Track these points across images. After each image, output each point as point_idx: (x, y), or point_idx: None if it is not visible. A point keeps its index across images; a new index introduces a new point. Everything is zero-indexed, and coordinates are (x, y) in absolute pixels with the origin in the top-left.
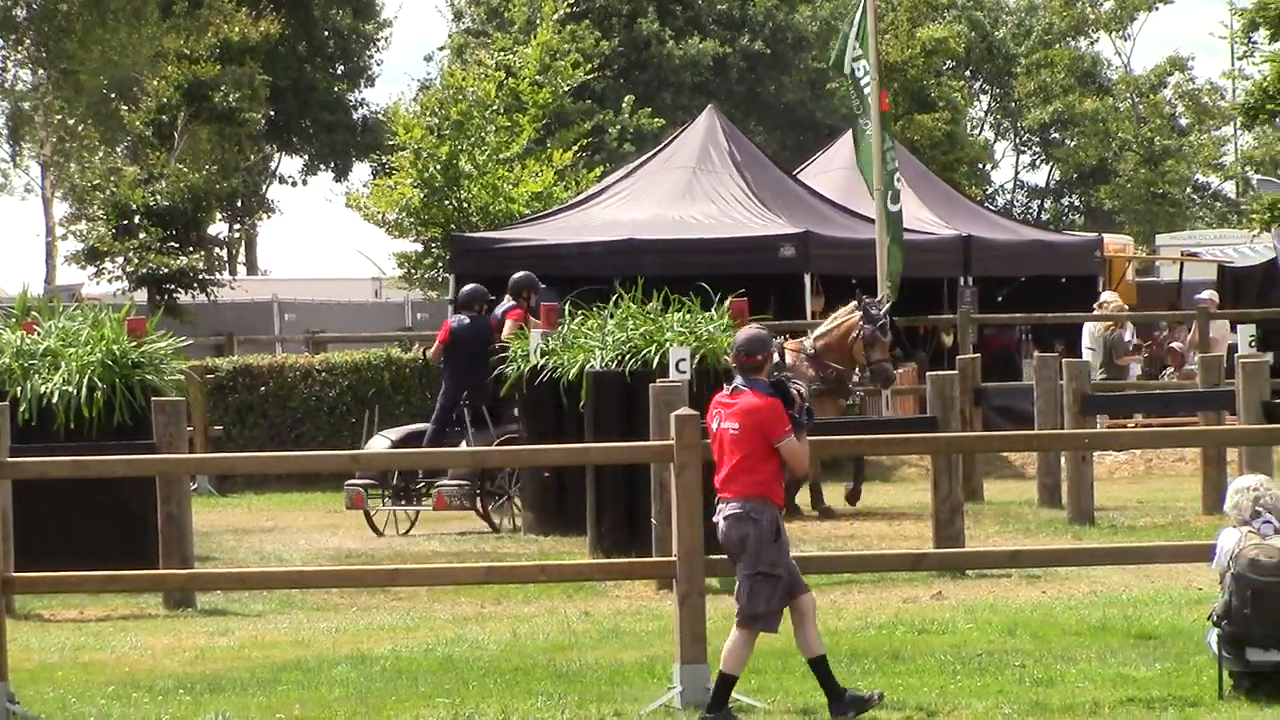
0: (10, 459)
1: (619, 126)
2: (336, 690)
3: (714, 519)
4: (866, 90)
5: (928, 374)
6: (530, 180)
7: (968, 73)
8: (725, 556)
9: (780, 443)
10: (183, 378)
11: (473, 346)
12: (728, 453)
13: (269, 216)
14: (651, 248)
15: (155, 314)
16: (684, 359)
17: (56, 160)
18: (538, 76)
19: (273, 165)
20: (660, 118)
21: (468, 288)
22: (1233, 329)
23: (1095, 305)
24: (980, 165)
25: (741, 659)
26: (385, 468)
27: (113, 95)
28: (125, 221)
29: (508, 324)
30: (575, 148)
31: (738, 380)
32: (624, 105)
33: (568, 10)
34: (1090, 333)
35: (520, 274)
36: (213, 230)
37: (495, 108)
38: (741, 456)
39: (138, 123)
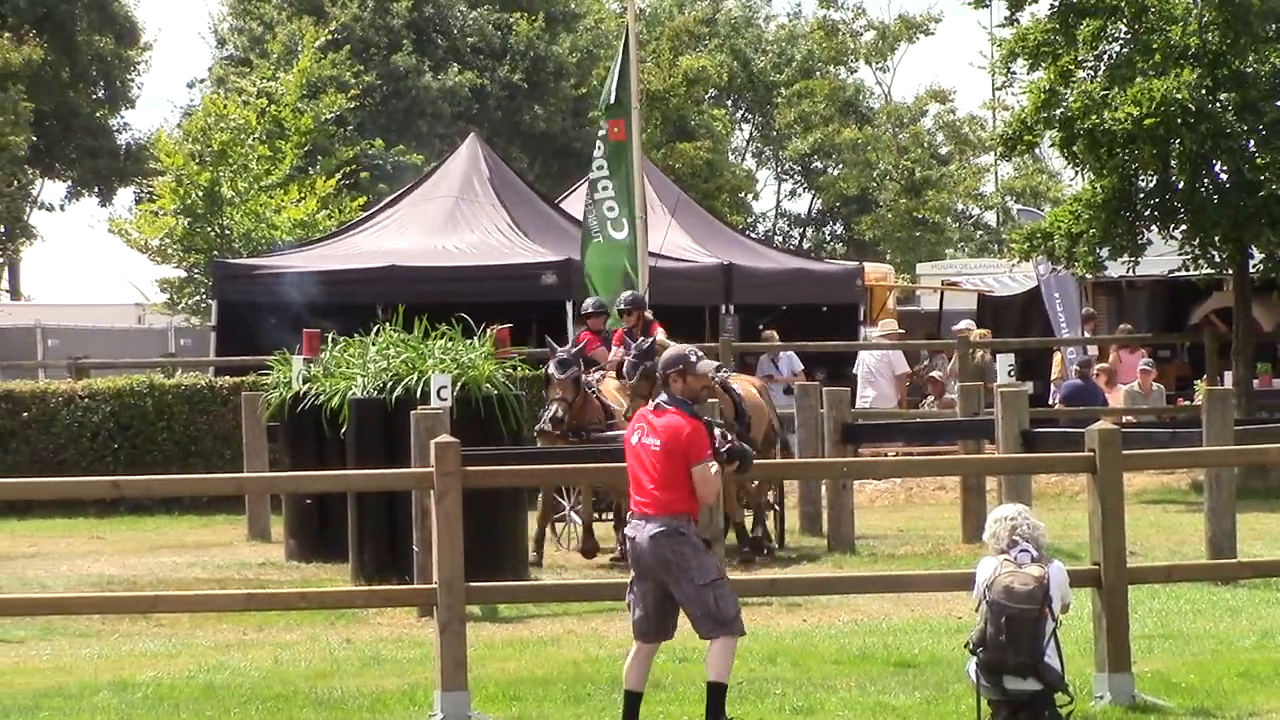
0: None
1: (377, 163)
2: (98, 717)
3: (627, 533)
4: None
5: None
6: (293, 207)
7: (729, 102)
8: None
9: (695, 466)
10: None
11: None
12: (648, 469)
13: (31, 242)
14: (414, 275)
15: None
16: (445, 386)
17: None
18: (299, 103)
19: (35, 191)
20: (418, 147)
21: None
22: (992, 358)
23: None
24: (742, 194)
25: (729, 665)
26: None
27: None
28: None
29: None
30: (338, 175)
31: (662, 398)
32: (376, 144)
33: (328, 38)
34: (867, 363)
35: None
36: None
37: (257, 134)
38: (663, 473)
39: None
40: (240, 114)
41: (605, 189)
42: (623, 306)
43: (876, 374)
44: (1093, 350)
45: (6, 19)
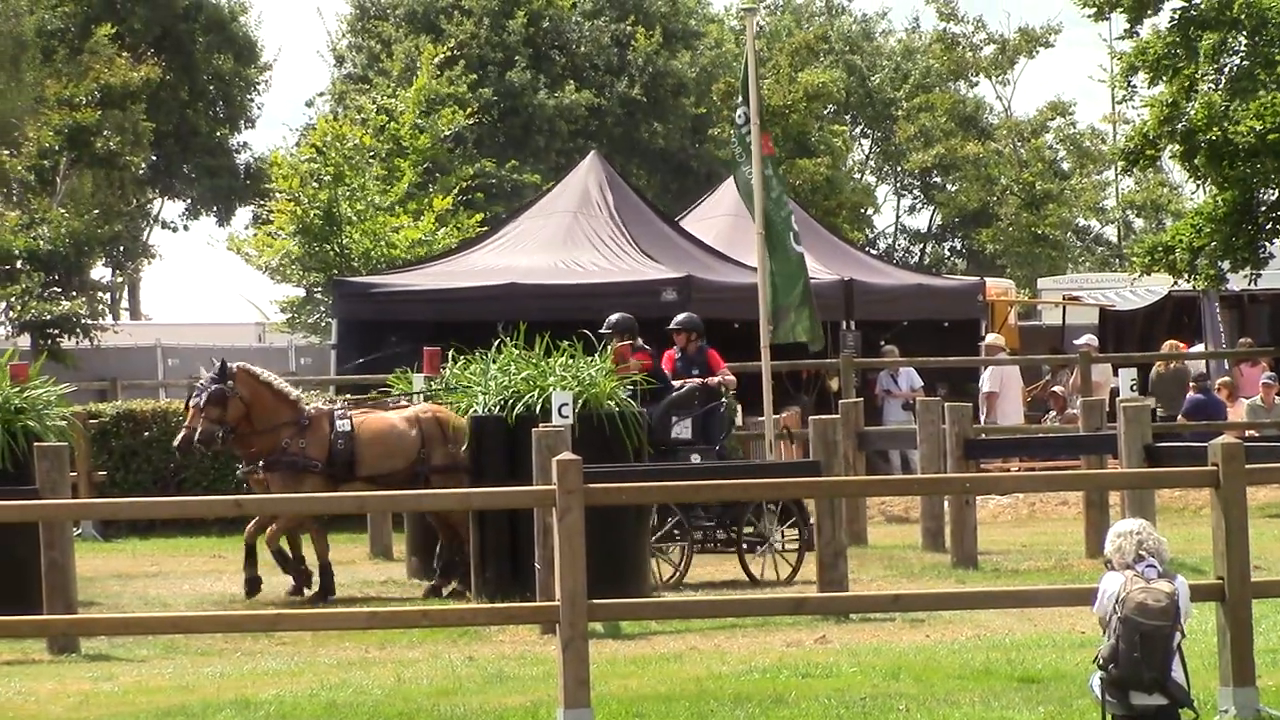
0: None
1: (494, 181)
2: None
3: None
4: (748, 136)
5: (811, 418)
6: (411, 226)
7: (848, 117)
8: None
9: None
10: (65, 423)
11: None
12: None
13: (151, 261)
14: (534, 292)
15: (38, 360)
16: (566, 404)
17: None
18: (417, 120)
19: (155, 210)
20: (535, 163)
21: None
22: (1114, 373)
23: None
24: (862, 210)
25: None
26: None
27: None
28: (6, 267)
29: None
30: (455, 192)
31: None
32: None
33: (446, 55)
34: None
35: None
36: (95, 275)
37: (376, 152)
38: None
39: (19, 168)
40: (355, 133)
41: (786, 205)
42: (674, 326)
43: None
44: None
45: (125, 39)
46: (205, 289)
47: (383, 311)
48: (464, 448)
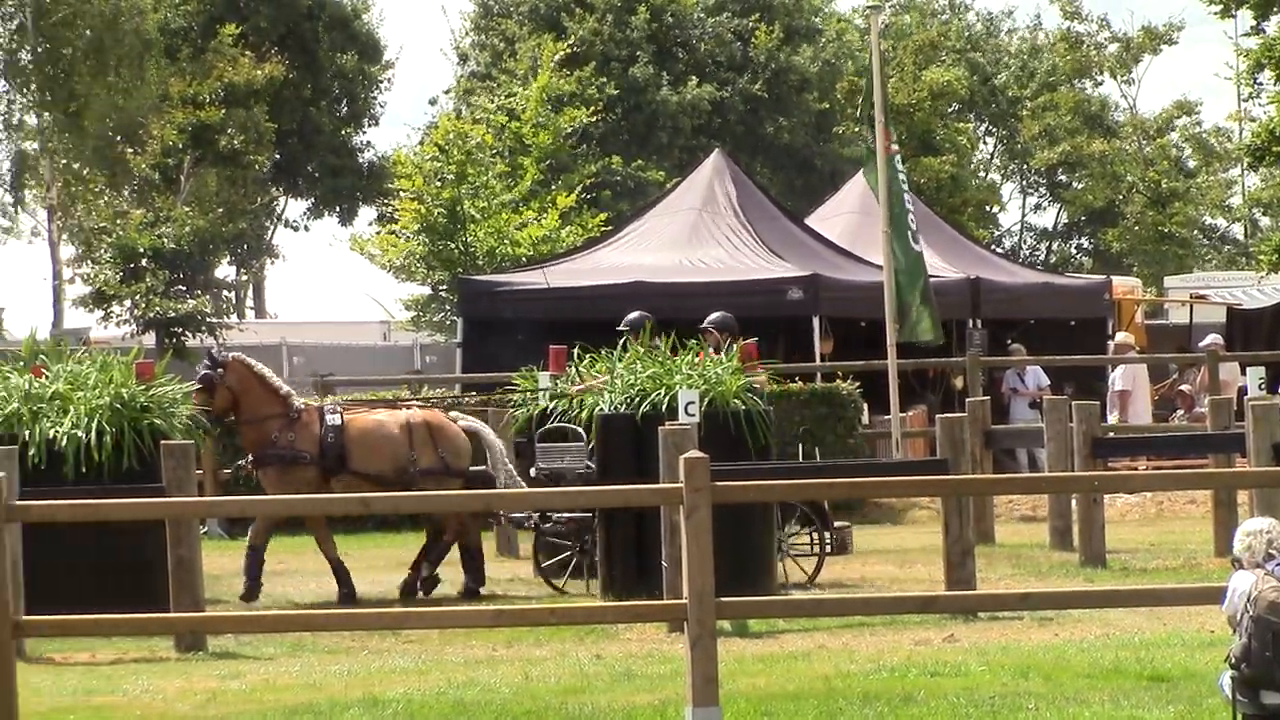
0: (19, 502)
1: (618, 178)
2: None
3: None
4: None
5: (938, 417)
6: (535, 225)
7: (972, 115)
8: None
9: None
10: (192, 421)
11: None
12: None
13: (275, 260)
14: (659, 291)
15: (163, 358)
16: (693, 402)
17: (63, 203)
18: (540, 119)
19: (279, 208)
20: (659, 160)
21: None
22: (1242, 371)
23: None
24: (987, 207)
25: None
26: (409, 510)
27: (118, 139)
28: (132, 265)
29: None
30: (579, 190)
31: None
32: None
33: (568, 52)
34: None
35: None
36: (220, 273)
37: (499, 150)
38: None
39: (143, 166)
40: (477, 132)
41: (908, 203)
42: (706, 326)
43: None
44: None
45: (249, 37)
46: (330, 287)
47: (507, 309)
48: (457, 454)
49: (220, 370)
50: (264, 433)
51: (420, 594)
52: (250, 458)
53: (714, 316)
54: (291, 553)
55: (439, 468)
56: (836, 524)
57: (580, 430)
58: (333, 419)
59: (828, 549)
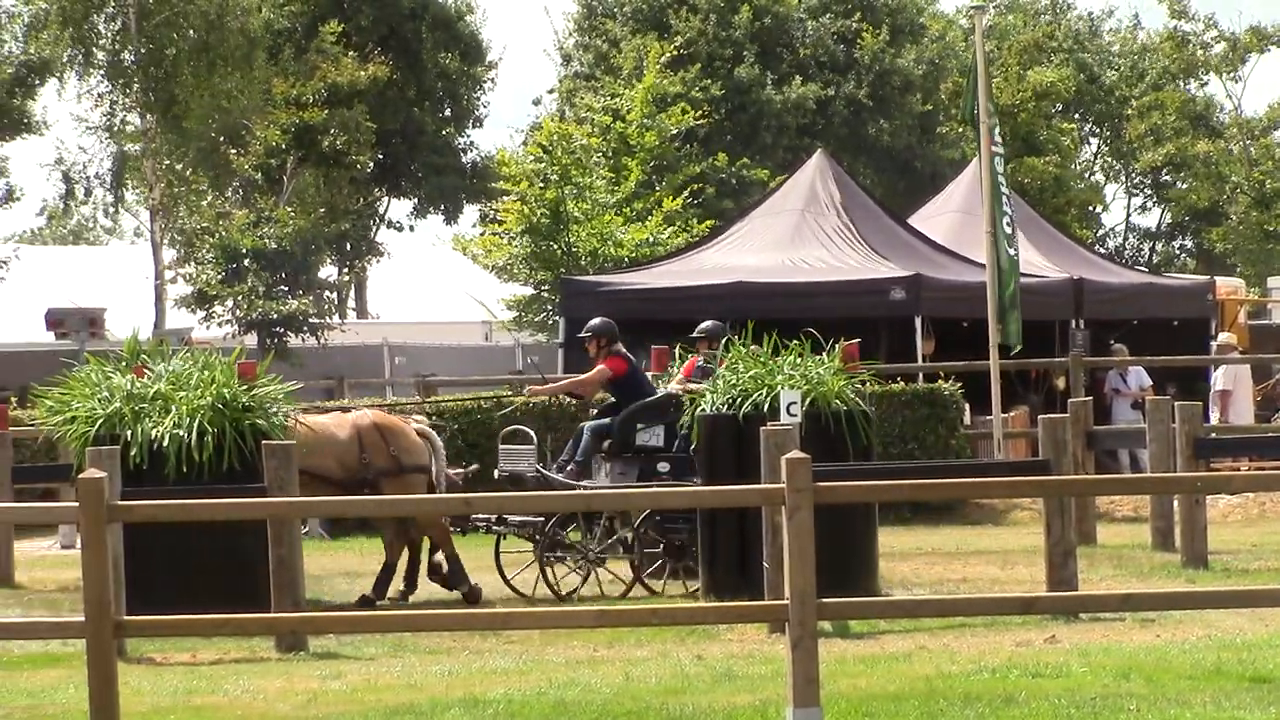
0: (121, 502)
1: (722, 178)
2: None
3: None
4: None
5: (1040, 417)
6: (638, 226)
7: (1076, 115)
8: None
9: None
10: (293, 422)
11: None
12: None
13: (378, 260)
14: (761, 291)
15: (265, 358)
16: (795, 402)
17: (165, 204)
18: (645, 120)
19: (381, 209)
20: (762, 160)
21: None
22: None
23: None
24: (1090, 208)
25: None
26: (498, 511)
27: (221, 140)
28: (234, 265)
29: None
30: (685, 193)
31: None
32: (719, 159)
33: (673, 54)
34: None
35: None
36: (322, 274)
37: (603, 151)
38: None
39: (246, 167)
40: (580, 132)
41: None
42: (698, 334)
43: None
44: None
45: (352, 37)
46: (432, 287)
47: (610, 310)
48: (409, 453)
49: None
50: None
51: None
52: None
53: (705, 324)
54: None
55: (393, 468)
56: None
57: (530, 433)
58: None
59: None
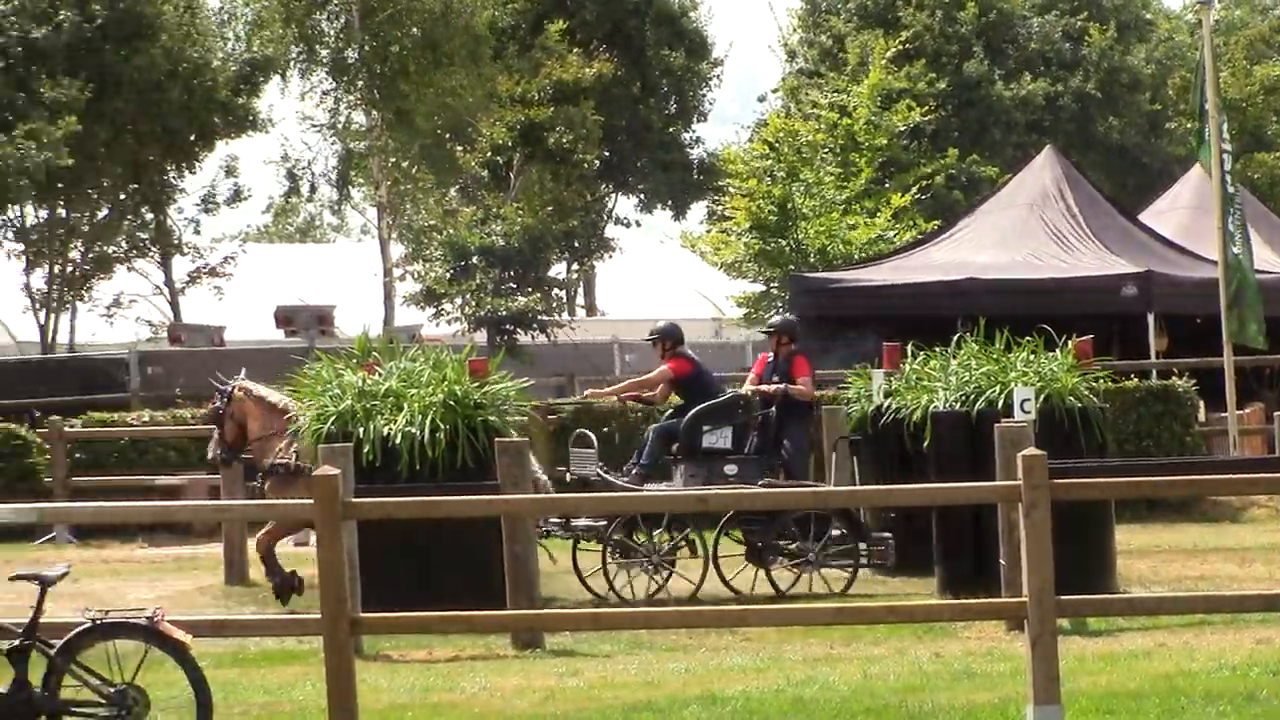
0: (355, 499)
1: (951, 174)
2: None
3: None
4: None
5: (1275, 414)
6: (866, 223)
7: None
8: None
9: None
10: (525, 419)
11: None
12: None
13: (607, 257)
14: (992, 287)
15: (495, 355)
16: (1028, 399)
17: (392, 202)
18: (872, 117)
19: (609, 205)
20: (991, 156)
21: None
22: None
23: None
24: None
25: None
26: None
27: (447, 137)
28: (462, 263)
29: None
30: (914, 189)
31: None
32: (950, 155)
33: (899, 49)
34: None
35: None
36: (551, 271)
37: (830, 147)
38: None
39: (472, 164)
40: (807, 128)
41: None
42: (766, 329)
43: None
44: None
45: (576, 35)
46: (660, 284)
47: (840, 307)
48: None
49: (225, 401)
50: (267, 449)
51: None
52: (259, 475)
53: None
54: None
55: None
56: (881, 536)
57: (592, 436)
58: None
59: (863, 560)
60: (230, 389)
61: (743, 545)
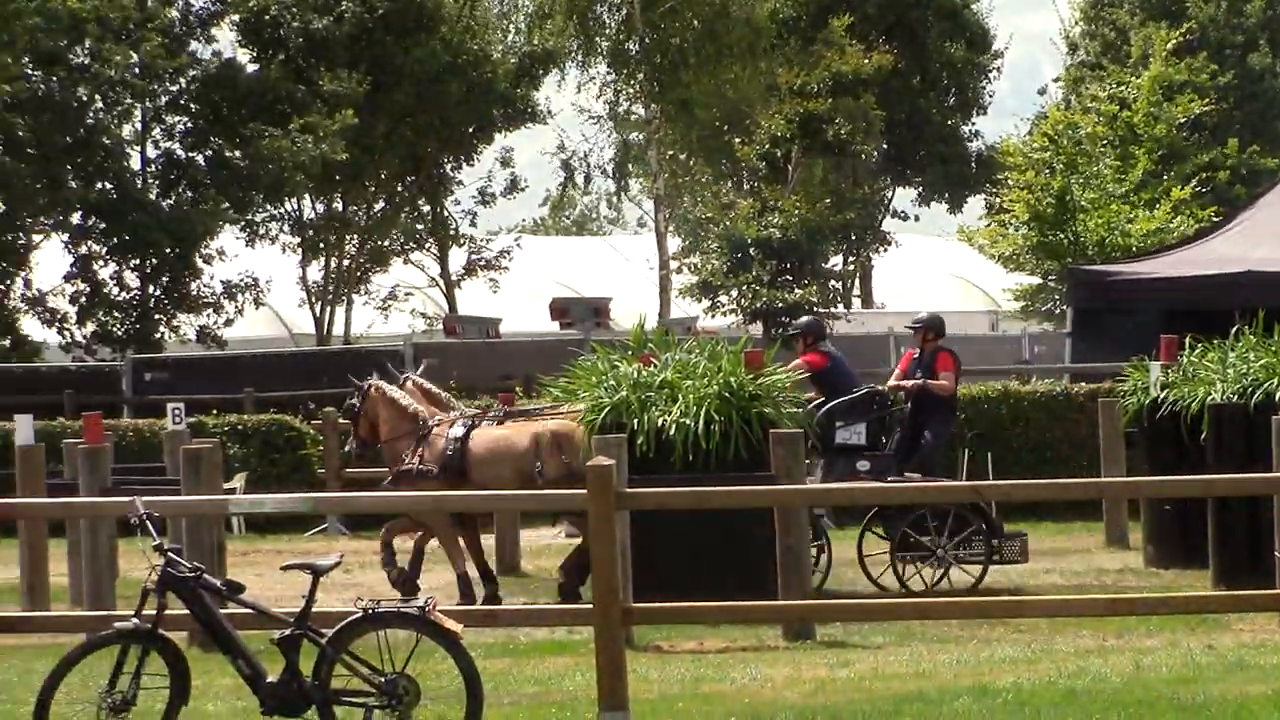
0: (629, 490)
1: (1229, 166)
2: None
3: None
4: None
5: None
6: (1146, 218)
7: None
8: None
9: None
10: (800, 410)
11: None
12: None
13: (885, 250)
14: (1272, 280)
15: (771, 347)
16: None
17: (669, 194)
18: (1152, 109)
19: (887, 198)
20: (1273, 149)
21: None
22: None
23: None
24: None
25: None
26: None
27: (725, 129)
28: (739, 255)
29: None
30: (1192, 182)
31: None
32: (1230, 146)
33: (1180, 41)
34: None
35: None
36: (827, 263)
37: (1109, 140)
38: None
39: (751, 156)
40: (1087, 121)
41: None
42: (913, 325)
43: None
44: None
45: (857, 27)
46: (937, 277)
47: (1118, 299)
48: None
49: (360, 399)
50: (397, 452)
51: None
52: (388, 479)
53: (802, 320)
54: None
55: (563, 474)
56: (1016, 532)
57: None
58: (455, 431)
59: (995, 557)
60: (366, 387)
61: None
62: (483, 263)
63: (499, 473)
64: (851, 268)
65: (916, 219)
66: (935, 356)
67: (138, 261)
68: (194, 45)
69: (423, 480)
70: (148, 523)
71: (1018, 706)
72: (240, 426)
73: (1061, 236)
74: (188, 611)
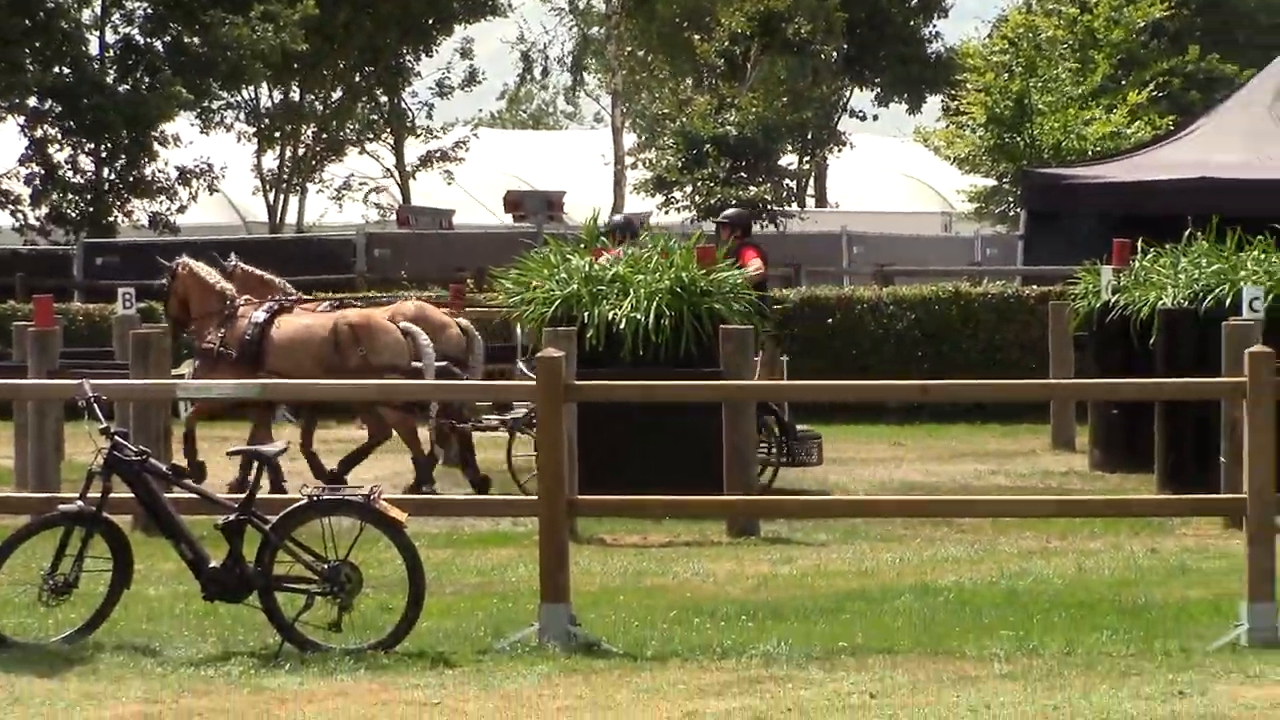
0: (577, 382)
1: (1188, 73)
2: (899, 620)
3: None
4: None
5: None
6: (1102, 120)
7: None
8: None
9: None
10: (750, 307)
11: None
12: None
13: (840, 150)
14: (1225, 186)
15: (724, 243)
16: (1258, 298)
17: (627, 90)
18: (1113, 12)
19: (844, 98)
20: (1233, 57)
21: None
22: None
23: None
24: None
25: None
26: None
27: (685, 25)
28: (694, 152)
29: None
30: (1150, 87)
31: None
32: (1190, 53)
33: None
34: None
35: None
36: (782, 162)
37: (1069, 44)
38: None
39: (710, 53)
40: (1048, 24)
41: None
42: (721, 220)
43: None
44: None
45: None
46: (891, 178)
47: (1072, 203)
48: (380, 353)
49: (170, 278)
50: (203, 329)
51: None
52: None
53: (730, 211)
54: (846, 440)
55: (361, 367)
56: (804, 431)
57: None
58: (257, 316)
59: (784, 459)
60: (175, 265)
61: None
62: (438, 154)
63: (299, 362)
64: (806, 167)
65: (875, 119)
66: (743, 253)
67: (93, 145)
68: None
69: (222, 363)
70: (94, 406)
71: (959, 605)
72: None
73: (1018, 139)
74: (132, 495)
